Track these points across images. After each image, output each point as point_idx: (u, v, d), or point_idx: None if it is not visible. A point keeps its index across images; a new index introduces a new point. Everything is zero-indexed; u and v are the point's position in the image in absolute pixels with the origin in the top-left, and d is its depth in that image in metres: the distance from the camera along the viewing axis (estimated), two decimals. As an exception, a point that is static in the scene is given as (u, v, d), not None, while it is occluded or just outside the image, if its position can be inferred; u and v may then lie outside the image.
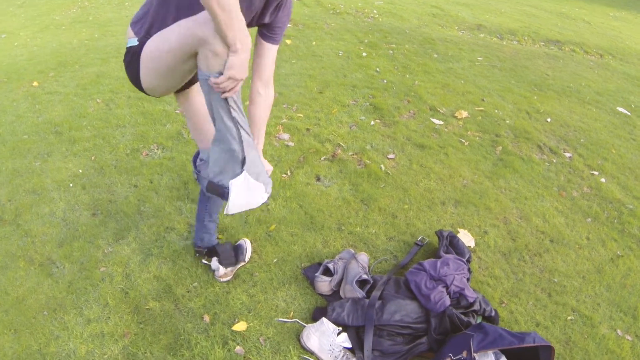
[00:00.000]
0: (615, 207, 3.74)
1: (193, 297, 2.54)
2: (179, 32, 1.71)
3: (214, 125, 1.87)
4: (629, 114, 5.51)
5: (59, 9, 9.09)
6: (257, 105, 2.23)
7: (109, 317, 2.41)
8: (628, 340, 2.66)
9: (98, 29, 7.44)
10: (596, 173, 4.15)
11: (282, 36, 2.12)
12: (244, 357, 2.28)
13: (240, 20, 1.59)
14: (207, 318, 2.43)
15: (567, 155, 4.35)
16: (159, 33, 1.79)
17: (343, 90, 5.10)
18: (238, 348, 2.30)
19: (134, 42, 1.87)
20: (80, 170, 3.44)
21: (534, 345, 2.12)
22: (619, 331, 2.71)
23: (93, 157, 3.57)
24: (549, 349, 2.14)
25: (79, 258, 2.73)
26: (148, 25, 1.85)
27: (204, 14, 1.63)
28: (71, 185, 3.32)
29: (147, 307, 2.47)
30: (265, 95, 2.22)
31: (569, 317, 2.72)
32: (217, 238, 2.77)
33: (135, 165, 3.49)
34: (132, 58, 1.90)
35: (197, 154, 2.43)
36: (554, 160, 4.23)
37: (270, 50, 2.13)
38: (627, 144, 4.76)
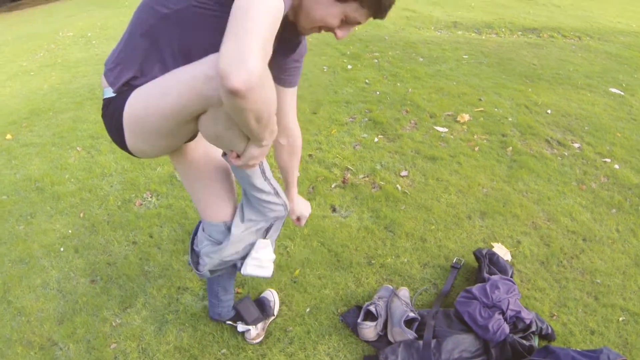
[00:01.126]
0: (635, 194, 3.68)
1: None
2: (178, 91, 1.29)
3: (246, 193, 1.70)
4: (622, 93, 5.50)
5: (25, 55, 8.76)
6: (281, 154, 2.02)
7: None
8: None
9: (68, 70, 7.14)
10: (608, 160, 4.08)
11: (299, 77, 1.77)
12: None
13: (274, 121, 1.28)
14: None
15: (576, 145, 4.26)
16: (145, 87, 1.37)
17: (337, 108, 4.92)
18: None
19: (109, 92, 1.45)
20: (70, 231, 3.11)
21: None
22: None
23: (82, 214, 3.26)
24: None
25: (84, 335, 2.40)
26: (128, 74, 1.41)
27: (210, 59, 1.24)
28: (62, 249, 2.98)
29: None
30: (289, 145, 1.98)
31: (620, 319, 2.64)
32: (237, 292, 2.54)
33: (130, 219, 3.18)
34: (111, 114, 1.45)
35: (196, 230, 2.05)
36: (565, 153, 4.14)
37: (288, 95, 1.79)
38: (629, 126, 4.73)
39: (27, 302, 2.63)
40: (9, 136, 4.79)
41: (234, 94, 1.01)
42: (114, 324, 2.45)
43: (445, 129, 4.47)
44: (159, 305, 2.55)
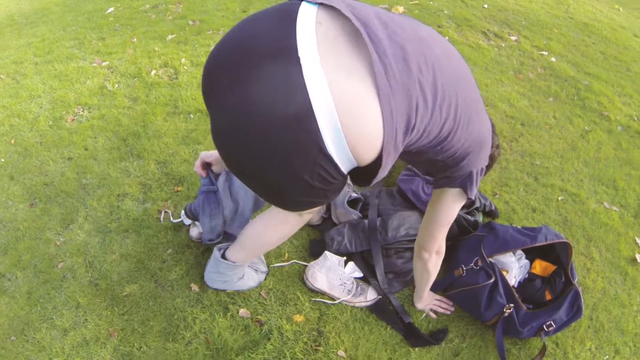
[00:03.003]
0: (571, 84, 3.72)
1: (171, 266, 2.15)
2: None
3: None
4: (559, -8, 5.44)
5: None
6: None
7: (87, 320, 1.97)
8: (615, 211, 2.70)
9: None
10: (545, 53, 4.08)
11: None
12: (252, 318, 1.97)
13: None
14: (195, 287, 2.06)
15: (513, 38, 4.21)
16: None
17: (268, 4, 4.62)
18: (242, 311, 1.97)
19: None
20: (2, 159, 2.79)
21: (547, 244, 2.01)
22: (605, 204, 2.73)
23: (13, 140, 2.94)
24: (564, 244, 2.03)
25: (30, 261, 2.22)
26: None
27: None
28: None
29: (124, 294, 2.05)
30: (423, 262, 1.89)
31: (559, 198, 2.71)
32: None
33: (63, 136, 2.91)
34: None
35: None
36: (502, 45, 4.09)
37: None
38: (566, 23, 4.74)
39: (-33, 239, 2.40)
40: None
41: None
42: (58, 243, 2.28)
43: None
44: (101, 215, 2.38)
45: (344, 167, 1.12)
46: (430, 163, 1.48)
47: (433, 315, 2.05)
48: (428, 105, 1.14)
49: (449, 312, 2.06)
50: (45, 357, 1.87)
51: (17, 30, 4.36)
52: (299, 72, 0.99)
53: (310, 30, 1.03)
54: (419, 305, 2.06)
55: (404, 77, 1.08)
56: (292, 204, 1.34)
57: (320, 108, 1.00)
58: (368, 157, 1.12)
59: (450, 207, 1.64)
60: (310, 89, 0.99)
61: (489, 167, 1.66)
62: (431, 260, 1.80)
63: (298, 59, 0.99)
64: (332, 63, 1.02)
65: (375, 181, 1.23)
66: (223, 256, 1.90)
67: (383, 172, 1.20)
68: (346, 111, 1.02)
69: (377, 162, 1.15)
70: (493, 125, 1.63)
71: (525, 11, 4.80)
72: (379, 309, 2.02)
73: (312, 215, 1.76)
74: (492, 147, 1.60)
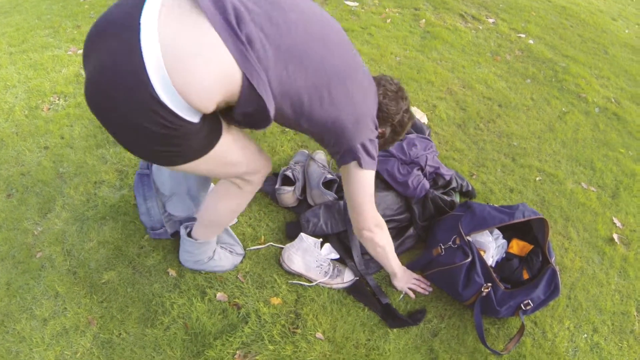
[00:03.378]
0: (549, 67, 3.74)
1: (149, 252, 2.14)
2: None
3: None
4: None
5: None
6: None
7: (66, 308, 1.96)
8: (593, 191, 2.72)
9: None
10: (523, 36, 4.09)
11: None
12: (230, 302, 1.96)
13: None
14: (172, 272, 2.05)
15: (491, 20, 4.22)
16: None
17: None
18: (219, 294, 1.97)
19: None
20: None
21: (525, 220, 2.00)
22: (583, 184, 2.75)
23: None
24: (541, 220, 2.03)
25: (8, 252, 2.20)
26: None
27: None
28: None
29: (102, 281, 2.04)
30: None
31: (537, 178, 2.72)
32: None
33: (39, 125, 2.86)
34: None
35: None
36: (480, 27, 4.09)
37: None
38: (544, 6, 4.75)
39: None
40: None
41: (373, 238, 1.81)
42: (35, 232, 2.25)
43: (356, 3, 4.26)
44: (78, 203, 2.36)
45: (183, 113, 1.24)
46: (310, 133, 1.59)
47: (412, 294, 2.05)
48: (269, 56, 1.29)
49: (427, 293, 2.06)
50: (25, 347, 1.86)
51: (-8, 21, 4.29)
52: (137, 36, 1.15)
53: (156, 5, 1.18)
54: (398, 284, 2.06)
55: (245, 29, 1.24)
56: (156, 156, 1.41)
57: (150, 63, 1.15)
58: (202, 103, 1.25)
59: (358, 181, 1.67)
60: (144, 47, 1.15)
61: (397, 133, 1.78)
62: (376, 236, 1.81)
63: (139, 24, 1.15)
64: (171, 24, 1.18)
65: (262, 128, 1.43)
66: (189, 234, 1.93)
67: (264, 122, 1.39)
68: (177, 64, 1.17)
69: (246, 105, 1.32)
70: (401, 90, 1.74)
71: (504, -6, 4.79)
72: (356, 291, 2.02)
73: (253, 186, 1.74)
74: (399, 113, 1.71)
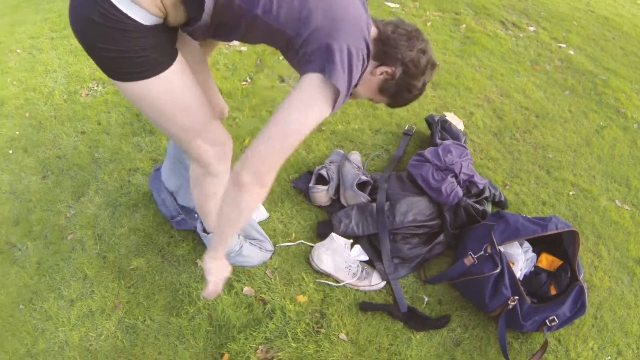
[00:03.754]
0: (589, 79, 3.66)
1: (179, 242, 2.16)
2: (179, 131, 1.52)
3: None
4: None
5: None
6: None
7: (93, 291, 2.00)
8: (627, 210, 2.66)
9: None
10: (564, 45, 4.01)
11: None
12: (256, 297, 1.97)
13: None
14: (201, 263, 2.05)
15: (531, 29, 4.15)
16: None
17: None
18: (246, 289, 1.98)
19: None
20: (17, 132, 2.81)
21: (558, 232, 1.96)
22: (617, 202, 2.69)
23: (27, 114, 2.95)
24: (573, 233, 1.98)
25: (40, 232, 2.25)
26: None
27: None
28: (10, 151, 2.70)
29: (131, 267, 2.07)
30: None
31: (570, 193, 2.67)
32: None
33: (77, 110, 2.92)
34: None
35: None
36: (520, 35, 4.02)
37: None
38: (586, 16, 4.64)
39: (-20, 208, 2.42)
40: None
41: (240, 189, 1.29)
42: (68, 215, 2.30)
43: (397, 5, 4.22)
44: (111, 189, 2.40)
45: (123, 7, 1.21)
46: (265, 33, 1.35)
47: (208, 292, 1.57)
48: None
49: (212, 297, 1.59)
50: (51, 326, 1.90)
51: (34, 5, 4.35)
52: None
53: None
54: (208, 266, 1.54)
55: None
56: (103, 59, 1.38)
57: None
58: None
59: (301, 99, 1.28)
60: None
61: (411, 75, 1.46)
62: (248, 190, 1.29)
63: None
64: None
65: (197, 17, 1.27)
66: (204, 230, 1.93)
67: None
68: None
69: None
70: (417, 31, 1.46)
71: (545, 2, 4.72)
72: (368, 306, 1.99)
73: (219, 168, 1.63)
74: (412, 50, 1.42)
